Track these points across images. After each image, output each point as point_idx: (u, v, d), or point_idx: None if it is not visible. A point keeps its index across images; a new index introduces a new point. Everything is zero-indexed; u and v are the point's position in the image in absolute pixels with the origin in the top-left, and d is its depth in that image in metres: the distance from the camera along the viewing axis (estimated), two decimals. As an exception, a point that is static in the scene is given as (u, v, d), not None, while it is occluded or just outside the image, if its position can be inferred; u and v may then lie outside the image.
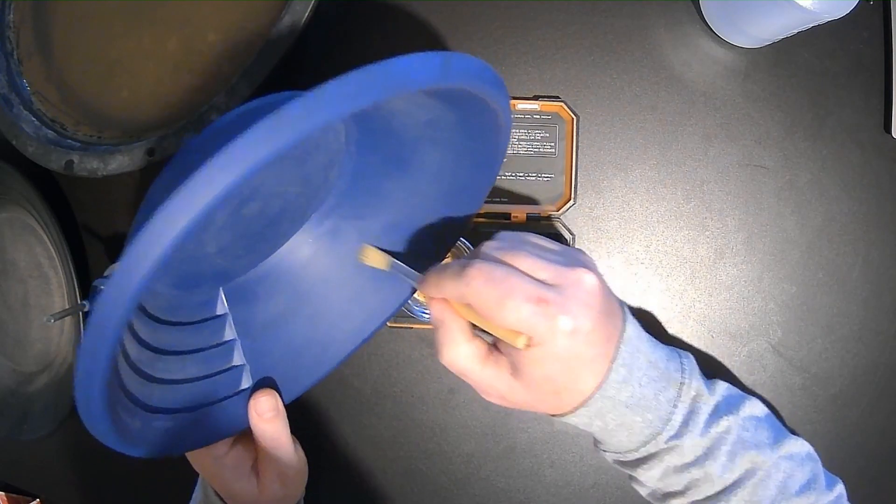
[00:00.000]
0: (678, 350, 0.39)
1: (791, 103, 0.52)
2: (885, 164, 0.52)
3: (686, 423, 0.36)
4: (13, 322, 0.60)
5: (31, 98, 0.53)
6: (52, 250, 0.58)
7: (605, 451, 0.40)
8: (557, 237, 0.52)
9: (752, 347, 0.53)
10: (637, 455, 0.38)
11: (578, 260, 0.35)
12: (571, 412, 0.36)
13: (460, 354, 0.36)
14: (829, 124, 0.52)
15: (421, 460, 0.55)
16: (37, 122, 0.52)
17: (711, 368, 0.53)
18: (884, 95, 0.51)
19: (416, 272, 0.39)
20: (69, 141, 0.51)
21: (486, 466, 0.55)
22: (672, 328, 0.53)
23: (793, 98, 0.52)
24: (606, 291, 0.35)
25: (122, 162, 0.47)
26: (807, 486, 0.37)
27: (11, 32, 0.55)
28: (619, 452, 0.39)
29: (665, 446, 0.37)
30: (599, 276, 0.34)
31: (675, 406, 0.36)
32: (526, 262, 0.34)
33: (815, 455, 0.40)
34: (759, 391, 0.52)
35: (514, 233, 0.37)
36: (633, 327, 0.36)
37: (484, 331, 0.35)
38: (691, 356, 0.39)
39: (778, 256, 0.52)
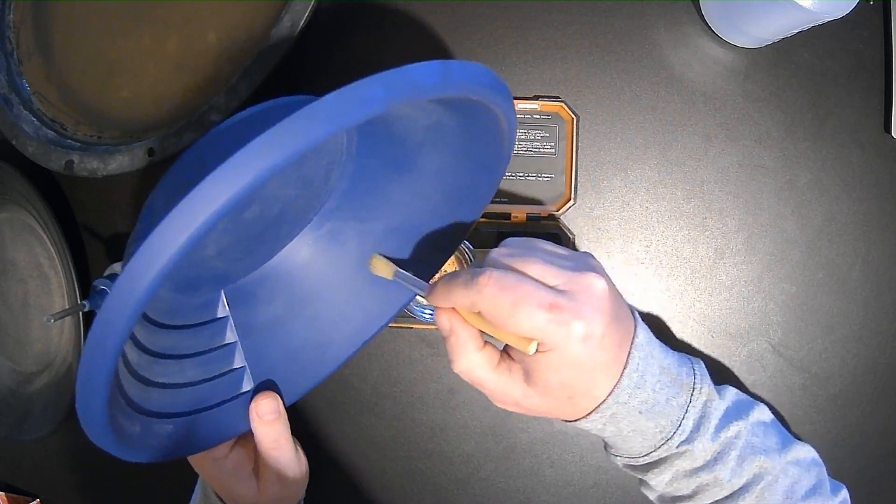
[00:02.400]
0: (688, 356, 0.39)
1: (791, 103, 0.52)
2: (885, 164, 0.52)
3: (697, 428, 0.37)
4: (13, 322, 0.60)
5: (31, 98, 0.53)
6: (52, 250, 0.58)
7: (615, 455, 0.40)
8: (557, 237, 0.52)
9: (752, 347, 0.53)
10: (648, 459, 0.38)
11: (588, 264, 0.35)
12: (584, 418, 0.36)
13: (473, 363, 0.36)
14: (829, 124, 0.52)
15: (421, 460, 0.55)
16: (37, 122, 0.52)
17: (711, 368, 0.51)
18: (884, 95, 0.51)
19: (421, 281, 0.38)
20: (69, 141, 0.51)
21: (486, 466, 0.55)
22: (672, 328, 0.53)
23: (793, 98, 0.52)
24: (616, 296, 0.35)
25: (122, 162, 0.47)
26: (812, 492, 0.38)
27: (11, 32, 0.54)
28: (631, 457, 0.39)
29: (676, 451, 0.37)
30: (609, 280, 0.34)
31: (686, 411, 0.36)
32: (536, 269, 0.33)
33: (820, 461, 0.40)
34: (759, 391, 0.53)
35: (522, 239, 0.37)
36: (644, 332, 0.36)
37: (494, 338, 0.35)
38: (701, 362, 0.39)
39: (778, 256, 0.52)
